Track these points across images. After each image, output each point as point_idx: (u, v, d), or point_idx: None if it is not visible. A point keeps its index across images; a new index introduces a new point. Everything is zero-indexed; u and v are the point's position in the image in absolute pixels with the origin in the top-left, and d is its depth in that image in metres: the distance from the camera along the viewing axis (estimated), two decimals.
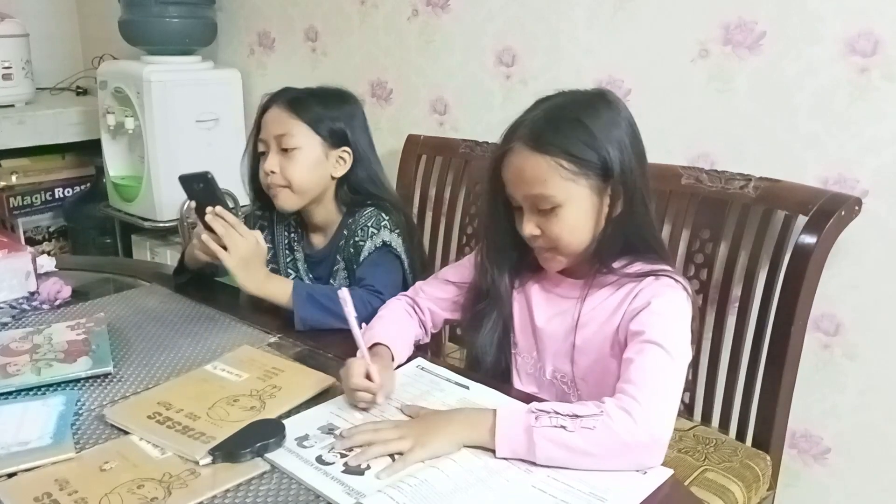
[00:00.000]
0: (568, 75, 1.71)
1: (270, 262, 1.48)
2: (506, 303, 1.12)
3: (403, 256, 1.38)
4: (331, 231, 1.45)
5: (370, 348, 1.05)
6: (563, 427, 0.85)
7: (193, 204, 1.28)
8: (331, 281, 1.43)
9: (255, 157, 1.44)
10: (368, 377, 0.97)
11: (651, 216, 1.04)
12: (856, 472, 1.50)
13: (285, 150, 1.37)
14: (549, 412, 0.87)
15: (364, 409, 0.97)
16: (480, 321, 1.13)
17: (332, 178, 1.41)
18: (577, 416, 0.86)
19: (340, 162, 1.41)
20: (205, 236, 1.25)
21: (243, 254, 1.24)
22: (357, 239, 1.38)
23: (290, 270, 1.49)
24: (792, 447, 1.55)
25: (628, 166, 0.98)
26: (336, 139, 1.40)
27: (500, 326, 1.12)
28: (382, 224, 1.38)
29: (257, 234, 1.28)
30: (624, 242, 1.03)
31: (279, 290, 1.29)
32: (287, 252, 1.49)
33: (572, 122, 0.98)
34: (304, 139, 1.37)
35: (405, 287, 1.33)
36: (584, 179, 0.98)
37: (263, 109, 1.42)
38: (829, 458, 1.53)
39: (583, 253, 1.04)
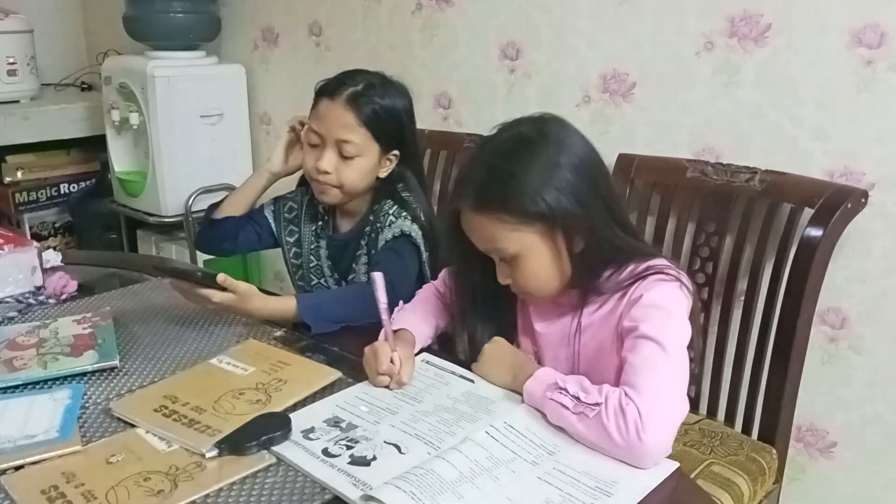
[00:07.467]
0: (572, 69, 1.71)
1: (294, 247, 1.52)
2: (496, 321, 1.14)
3: (423, 249, 1.37)
4: (358, 216, 1.46)
5: (396, 332, 1.08)
6: (567, 407, 0.91)
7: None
8: (352, 265, 1.44)
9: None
10: (392, 362, 1.03)
11: (618, 232, 1.02)
12: (862, 466, 1.50)
13: (344, 156, 1.35)
14: (563, 389, 0.93)
15: (384, 387, 1.03)
16: (475, 325, 1.15)
17: (378, 178, 1.41)
18: (580, 401, 0.90)
19: (387, 163, 1.41)
20: (218, 297, 1.20)
21: (245, 289, 1.22)
22: (379, 225, 1.39)
23: (312, 258, 1.50)
24: (798, 440, 1.54)
25: (574, 203, 0.98)
26: (391, 143, 1.39)
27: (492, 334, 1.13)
28: (403, 215, 1.38)
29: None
30: (605, 258, 1.03)
31: (283, 305, 1.25)
32: (312, 240, 1.51)
33: (506, 179, 0.99)
34: (366, 148, 1.36)
35: (421, 280, 1.34)
36: (529, 227, 0.99)
37: (324, 96, 1.36)
38: (835, 452, 1.52)
39: (562, 284, 1.04)
